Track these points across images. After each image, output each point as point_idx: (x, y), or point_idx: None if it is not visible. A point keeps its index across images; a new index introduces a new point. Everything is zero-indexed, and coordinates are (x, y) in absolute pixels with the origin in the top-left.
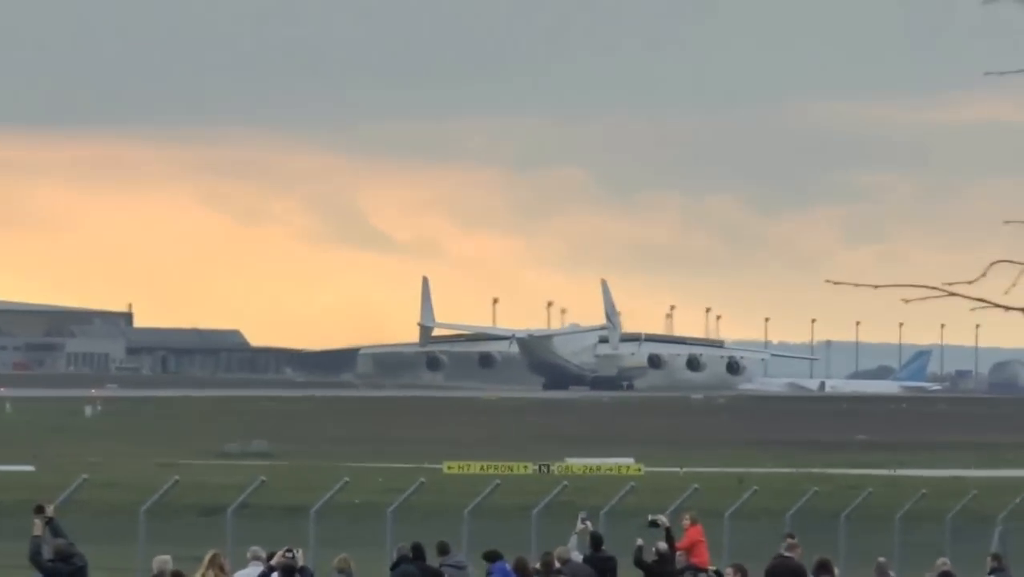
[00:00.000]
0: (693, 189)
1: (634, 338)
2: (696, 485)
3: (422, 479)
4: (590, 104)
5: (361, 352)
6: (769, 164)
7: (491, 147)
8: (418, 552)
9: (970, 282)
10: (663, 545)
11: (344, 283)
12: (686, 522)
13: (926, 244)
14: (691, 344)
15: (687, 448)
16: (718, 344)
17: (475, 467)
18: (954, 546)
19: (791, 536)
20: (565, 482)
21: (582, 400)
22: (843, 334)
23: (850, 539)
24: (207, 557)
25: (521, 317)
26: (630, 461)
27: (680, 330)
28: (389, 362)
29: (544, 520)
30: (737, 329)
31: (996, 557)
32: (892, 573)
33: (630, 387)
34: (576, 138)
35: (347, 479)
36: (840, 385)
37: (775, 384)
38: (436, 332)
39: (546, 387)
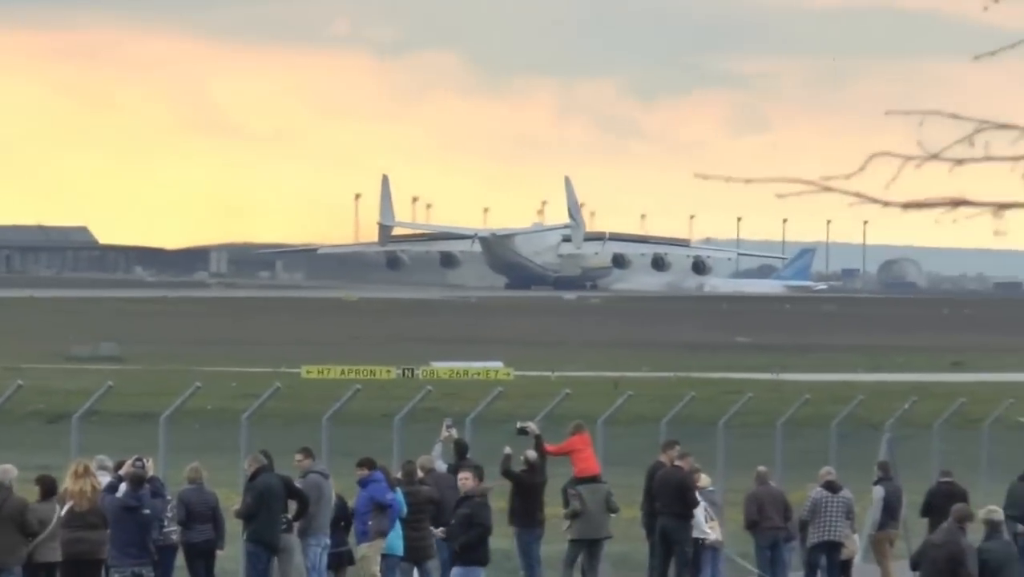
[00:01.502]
0: (568, 75)
1: (598, 237)
2: (568, 390)
3: (278, 384)
4: None
5: (320, 251)
6: (649, 49)
7: (356, 31)
8: (268, 461)
9: (848, 176)
10: (532, 454)
11: (198, 176)
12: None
13: (813, 135)
14: (656, 243)
15: (559, 351)
16: (683, 243)
17: (335, 371)
18: (839, 454)
19: (676, 443)
20: (430, 387)
21: (449, 301)
22: (724, 231)
23: (729, 447)
24: (78, 468)
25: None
26: (499, 365)
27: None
28: (348, 262)
29: (407, 427)
30: (612, 225)
31: (883, 465)
32: (772, 482)
33: (594, 287)
34: (447, 21)
35: (199, 384)
36: (720, 284)
37: (651, 283)
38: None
39: (508, 287)
